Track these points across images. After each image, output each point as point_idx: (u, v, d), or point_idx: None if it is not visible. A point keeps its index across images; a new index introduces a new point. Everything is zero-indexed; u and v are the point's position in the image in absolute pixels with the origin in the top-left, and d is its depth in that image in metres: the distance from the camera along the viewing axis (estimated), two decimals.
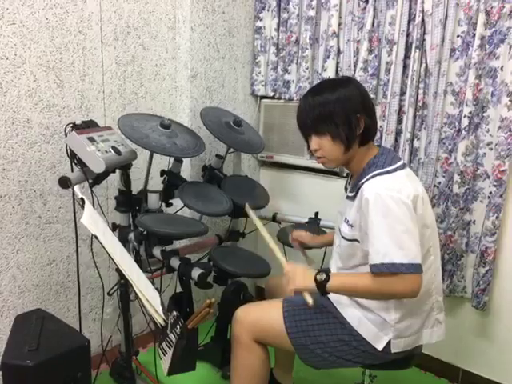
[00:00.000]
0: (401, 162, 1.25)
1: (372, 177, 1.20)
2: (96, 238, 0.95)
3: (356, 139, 1.25)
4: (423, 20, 1.76)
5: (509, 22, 1.61)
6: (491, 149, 1.70)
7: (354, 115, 1.22)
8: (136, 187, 1.77)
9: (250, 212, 1.56)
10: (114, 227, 1.70)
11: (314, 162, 1.94)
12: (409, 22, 1.82)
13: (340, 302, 1.29)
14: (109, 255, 0.97)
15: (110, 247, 0.98)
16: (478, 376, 1.90)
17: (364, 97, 1.26)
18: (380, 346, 1.23)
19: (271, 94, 2.32)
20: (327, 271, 1.21)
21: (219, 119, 1.96)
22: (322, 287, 1.18)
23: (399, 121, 1.91)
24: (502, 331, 1.82)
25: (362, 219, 1.20)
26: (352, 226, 1.25)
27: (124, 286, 1.38)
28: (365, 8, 1.94)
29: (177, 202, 1.78)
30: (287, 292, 1.25)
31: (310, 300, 1.21)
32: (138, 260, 1.62)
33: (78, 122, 1.46)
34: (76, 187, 1.23)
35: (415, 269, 1.11)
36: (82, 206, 1.12)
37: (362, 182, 1.21)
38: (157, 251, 1.54)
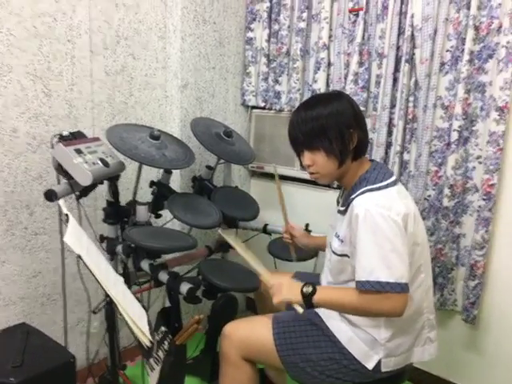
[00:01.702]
0: (393, 178, 1.23)
1: (362, 192, 1.19)
2: (79, 257, 0.93)
3: (349, 154, 1.24)
4: (413, 34, 1.77)
5: (497, 37, 1.62)
6: (480, 162, 1.71)
7: (348, 130, 1.21)
8: (125, 197, 1.75)
9: (226, 237, 1.54)
10: (101, 239, 1.68)
11: (305, 173, 1.94)
12: (398, 36, 1.83)
13: (331, 320, 1.28)
14: (93, 275, 0.95)
15: (95, 266, 0.96)
16: None
17: (356, 111, 1.25)
18: (370, 365, 1.22)
19: (262, 104, 2.32)
20: (314, 284, 1.20)
21: (209, 130, 1.95)
22: (308, 300, 1.17)
23: (389, 133, 1.91)
24: (491, 344, 1.82)
25: (352, 234, 1.19)
26: (342, 241, 1.24)
27: (110, 304, 1.35)
28: (355, 21, 1.95)
29: (166, 213, 1.76)
30: (274, 304, 1.23)
31: (300, 309, 1.20)
32: (126, 273, 1.60)
33: (65, 133, 1.44)
34: (61, 201, 1.20)
35: (401, 288, 1.10)
36: (67, 222, 1.10)
37: (353, 197, 1.20)
38: (145, 264, 1.52)
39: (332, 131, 1.20)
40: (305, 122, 1.22)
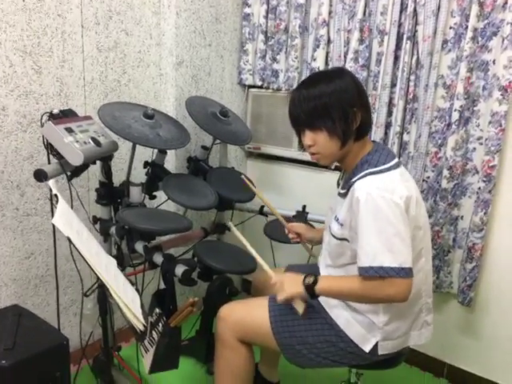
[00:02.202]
0: (395, 161, 1.20)
1: (364, 175, 1.15)
2: (69, 240, 0.90)
3: (352, 134, 1.19)
4: (415, 10, 1.72)
5: (502, 14, 1.57)
6: (481, 144, 1.68)
7: (351, 109, 1.16)
8: (119, 178, 1.72)
9: (234, 229, 1.50)
10: (94, 220, 1.65)
11: (302, 153, 1.89)
12: (401, 12, 1.77)
13: (328, 302, 1.27)
14: (83, 258, 0.92)
15: (85, 249, 0.93)
16: (462, 371, 1.91)
17: (359, 89, 1.20)
18: (367, 348, 1.21)
19: (259, 83, 2.27)
20: (315, 274, 1.18)
21: (205, 109, 1.90)
22: (310, 290, 1.16)
23: (389, 113, 1.88)
24: (487, 327, 1.82)
25: (352, 218, 1.16)
26: (342, 224, 1.21)
27: (102, 287, 1.33)
28: None
29: (161, 194, 1.73)
30: (279, 302, 1.22)
31: (300, 309, 1.19)
32: (119, 254, 1.57)
33: (55, 111, 1.39)
34: (52, 181, 1.17)
35: (405, 273, 1.07)
36: (56, 203, 1.06)
37: (354, 180, 1.16)
38: (139, 246, 1.49)
39: (335, 110, 1.15)
40: (307, 101, 1.17)
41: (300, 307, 1.20)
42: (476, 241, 1.71)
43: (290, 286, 1.19)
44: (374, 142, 1.27)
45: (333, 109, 1.15)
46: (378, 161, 1.18)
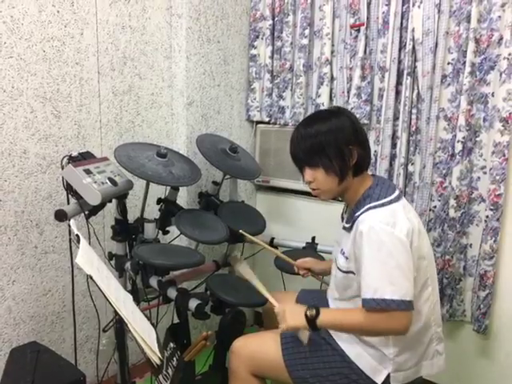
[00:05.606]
0: (396, 193, 1.23)
1: (367, 210, 1.19)
2: (91, 277, 0.95)
3: (349, 171, 1.24)
4: (414, 48, 1.79)
5: (498, 49, 1.64)
6: (485, 173, 1.72)
7: (347, 147, 1.21)
8: (133, 214, 1.77)
9: (240, 265, 1.54)
10: (110, 256, 1.69)
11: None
12: (400, 50, 1.85)
13: (338, 335, 1.28)
14: (103, 294, 0.97)
15: (105, 286, 0.97)
16: None
17: (356, 127, 1.25)
18: (379, 380, 1.21)
19: (266, 119, 2.35)
20: (317, 307, 1.20)
21: (215, 146, 1.97)
22: (312, 323, 1.17)
23: (393, 146, 1.93)
24: (502, 355, 1.80)
25: (356, 251, 1.19)
26: (348, 258, 1.24)
27: (119, 322, 1.36)
28: (356, 36, 1.97)
29: (174, 230, 1.78)
30: (281, 331, 1.24)
31: (304, 339, 1.20)
32: (134, 289, 1.61)
33: (75, 154, 1.47)
34: (72, 221, 1.23)
35: (406, 306, 1.09)
36: (78, 242, 1.12)
37: (358, 214, 1.20)
38: (153, 281, 1.53)
39: (331, 148, 1.20)
40: (304, 139, 1.23)
41: (304, 337, 1.21)
42: (487, 268, 1.71)
43: (292, 317, 1.21)
44: (373, 175, 1.31)
45: (328, 147, 1.20)
46: (380, 194, 1.21)
